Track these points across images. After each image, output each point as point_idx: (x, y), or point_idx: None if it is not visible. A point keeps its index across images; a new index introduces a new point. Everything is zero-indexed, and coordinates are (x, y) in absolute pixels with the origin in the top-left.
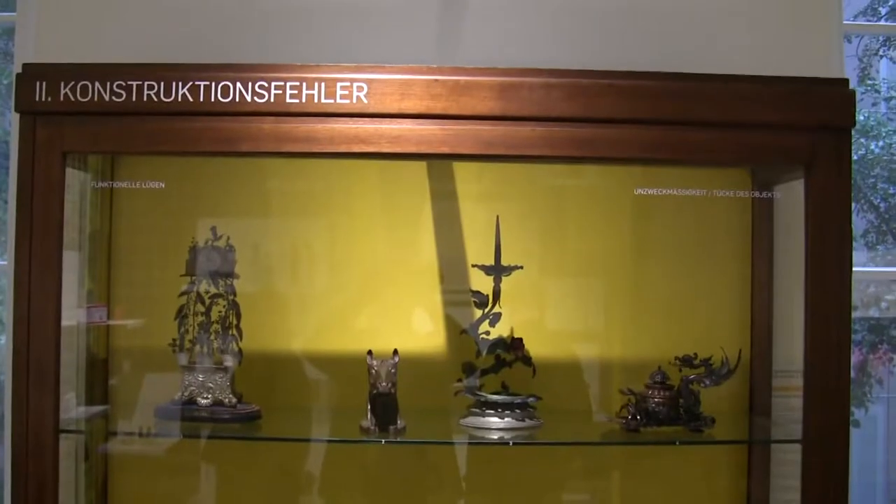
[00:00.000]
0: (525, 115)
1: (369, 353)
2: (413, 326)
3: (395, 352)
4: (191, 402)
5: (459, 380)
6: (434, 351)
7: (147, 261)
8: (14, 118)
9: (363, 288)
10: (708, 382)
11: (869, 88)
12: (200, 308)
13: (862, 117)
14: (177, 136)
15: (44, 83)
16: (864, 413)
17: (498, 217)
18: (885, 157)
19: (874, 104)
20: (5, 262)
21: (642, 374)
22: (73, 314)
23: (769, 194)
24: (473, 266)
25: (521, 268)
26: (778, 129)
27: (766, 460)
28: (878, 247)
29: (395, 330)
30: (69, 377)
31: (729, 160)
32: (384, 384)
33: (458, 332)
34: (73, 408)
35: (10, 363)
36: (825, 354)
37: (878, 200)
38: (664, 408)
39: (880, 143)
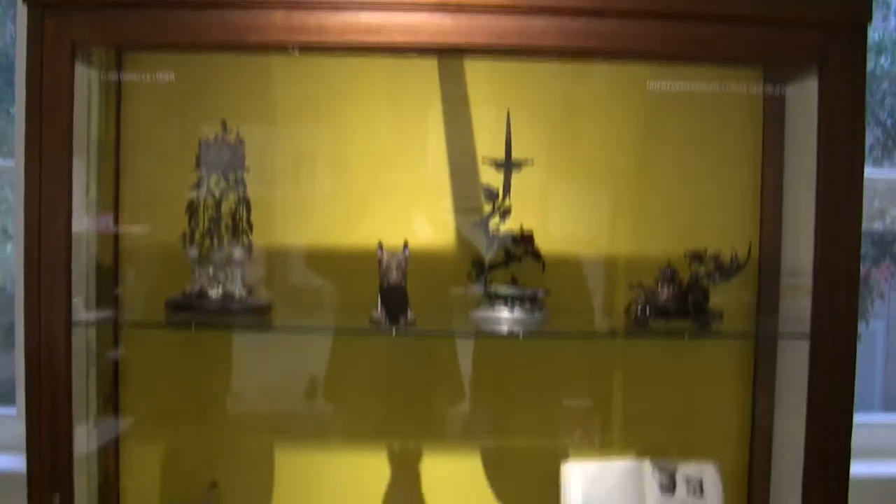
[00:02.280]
0: (538, 7)
1: (379, 245)
2: (423, 223)
3: (406, 244)
4: (201, 294)
5: (468, 274)
6: (444, 247)
7: (155, 159)
8: (21, 12)
9: (373, 184)
10: (717, 278)
11: (880, 2)
12: (211, 202)
13: (874, 34)
14: (186, 28)
15: None
16: (864, 327)
17: (508, 111)
18: (894, 73)
19: (884, 19)
20: (12, 164)
21: (651, 270)
22: (81, 220)
23: (781, 92)
24: (484, 161)
25: (532, 163)
26: (792, 25)
27: (772, 357)
28: (884, 162)
29: (405, 226)
30: (79, 280)
31: (742, 56)
32: (394, 276)
33: (469, 227)
34: (82, 309)
35: (19, 266)
36: (834, 251)
37: (886, 116)
38: (673, 302)
39: (889, 58)
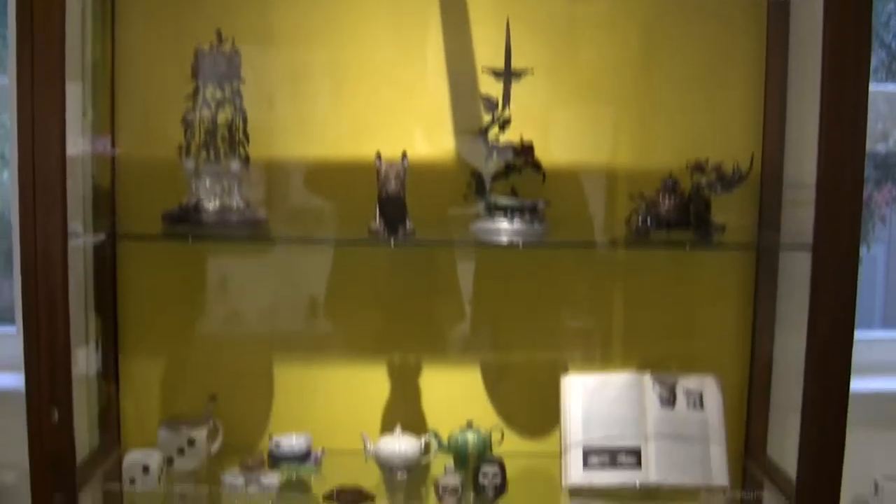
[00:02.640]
0: None
1: (377, 155)
2: (422, 137)
3: (404, 154)
4: (198, 207)
5: (468, 185)
6: (443, 161)
7: (151, 75)
8: None
9: (372, 98)
10: (719, 188)
11: None
12: (207, 114)
13: None
14: None
15: None
16: (865, 251)
17: (508, 19)
18: None
19: None
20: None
21: (653, 181)
22: (78, 142)
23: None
24: (483, 70)
25: (532, 72)
26: None
27: (774, 269)
28: (888, 84)
29: (404, 138)
30: (76, 200)
31: None
32: (392, 186)
33: (468, 141)
34: (80, 227)
35: (15, 189)
36: (839, 163)
37: (891, 38)
38: (674, 213)
39: None
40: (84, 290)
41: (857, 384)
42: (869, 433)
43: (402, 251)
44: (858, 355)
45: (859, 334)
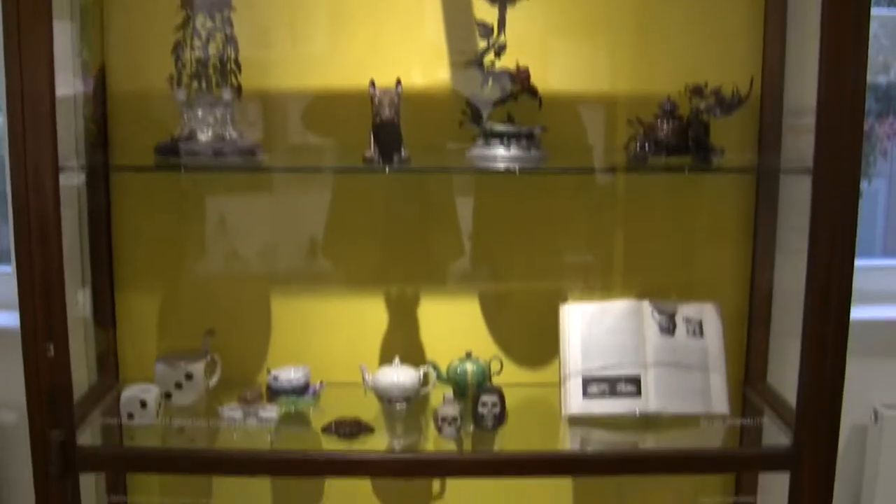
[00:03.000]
0: None
1: (371, 82)
2: (416, 62)
3: (398, 81)
4: (191, 137)
5: (463, 112)
6: (438, 88)
7: (139, 4)
8: None
9: (365, 23)
10: (718, 112)
11: None
12: (198, 43)
13: None
14: None
15: None
16: (866, 185)
17: None
18: None
19: None
20: None
21: (651, 106)
22: (69, 81)
23: None
24: None
25: None
26: None
27: (774, 194)
28: (892, 8)
29: (399, 66)
30: (68, 137)
31: None
32: (387, 112)
33: (463, 66)
34: (71, 155)
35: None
36: (840, 83)
37: None
38: (673, 137)
39: None
40: (79, 227)
41: (857, 312)
42: (868, 361)
43: (398, 180)
44: (859, 283)
45: (860, 262)
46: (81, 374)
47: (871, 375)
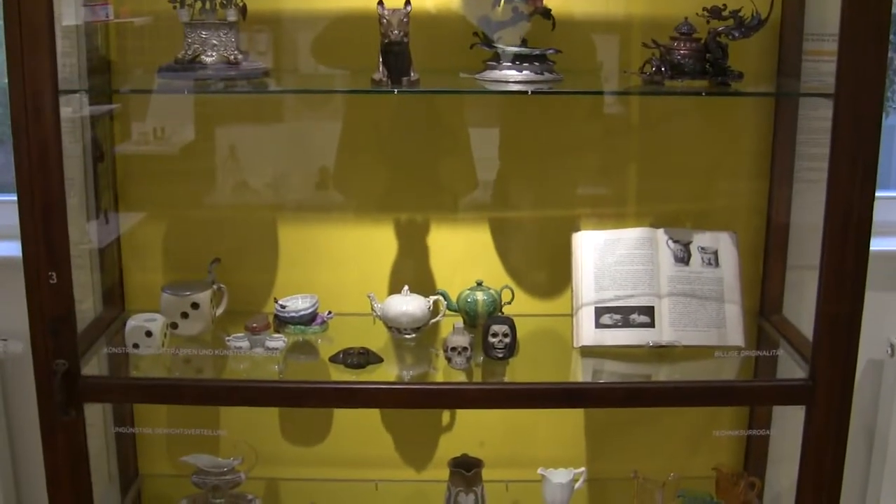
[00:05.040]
0: None
1: (380, 1)
2: None
3: (407, 0)
4: (195, 59)
5: (475, 34)
6: (448, 8)
7: None
8: None
9: None
10: (737, 34)
11: None
12: None
13: None
14: None
15: None
16: (884, 118)
17: None
18: None
19: None
20: None
21: (667, 28)
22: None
23: None
24: None
25: None
26: None
27: (793, 120)
28: None
29: None
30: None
31: None
32: (396, 33)
33: None
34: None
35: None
36: (864, 7)
37: None
38: (690, 60)
39: None
40: (83, 158)
41: (875, 244)
42: (885, 294)
43: (408, 103)
44: (877, 214)
45: (879, 193)
46: (87, 304)
47: (888, 308)
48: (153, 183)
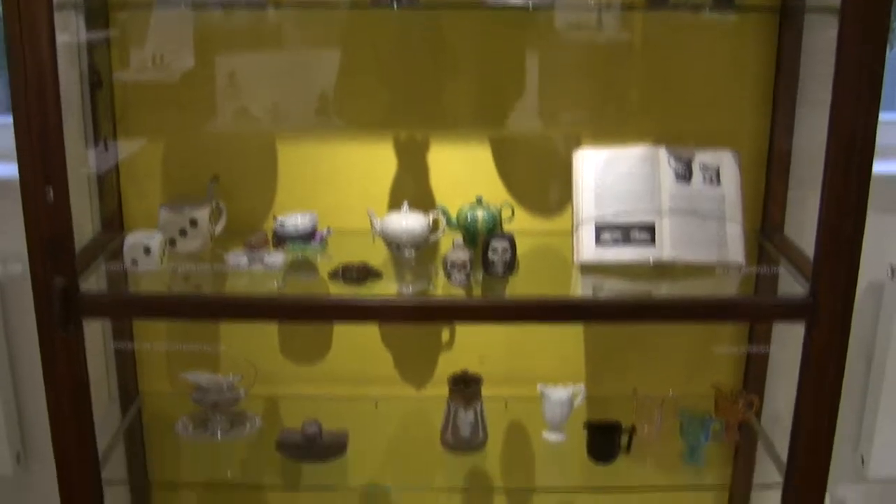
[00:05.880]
0: None
1: None
2: None
3: None
4: None
5: None
6: None
7: None
8: None
9: None
10: None
11: None
12: None
13: None
14: None
15: None
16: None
17: None
18: None
19: None
20: None
21: None
22: None
23: None
24: None
25: None
26: None
27: (798, 37)
28: None
29: None
30: None
31: None
32: None
33: None
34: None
35: None
36: None
37: None
38: None
39: None
40: (80, 81)
41: (878, 167)
42: (886, 217)
43: (408, 20)
44: (882, 138)
45: (883, 116)
46: (85, 224)
47: (889, 232)
48: (152, 109)
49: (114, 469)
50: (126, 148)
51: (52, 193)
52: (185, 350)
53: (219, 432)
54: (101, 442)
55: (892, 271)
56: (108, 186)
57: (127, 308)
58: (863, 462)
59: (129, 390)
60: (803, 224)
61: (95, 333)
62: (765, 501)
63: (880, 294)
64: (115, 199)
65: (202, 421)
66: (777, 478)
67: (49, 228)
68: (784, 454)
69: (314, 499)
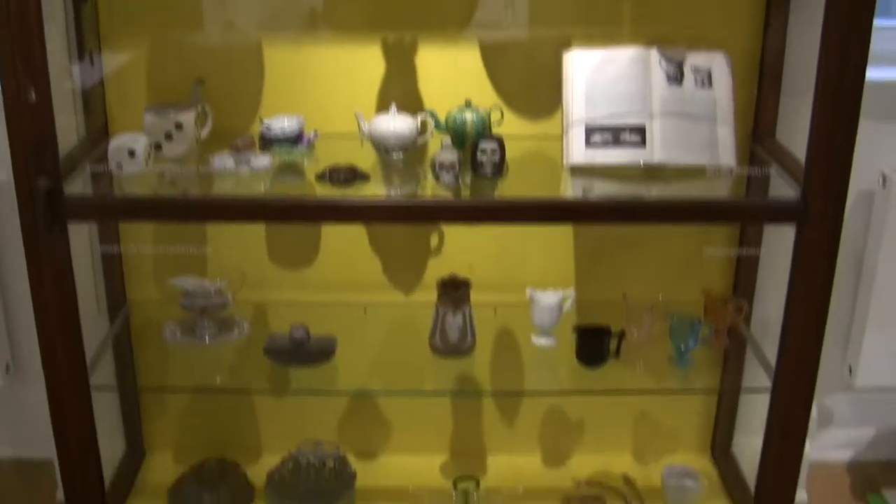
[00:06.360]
0: None
1: None
2: None
3: None
4: None
5: None
6: None
7: None
8: None
9: None
10: None
11: None
12: None
13: None
14: None
15: None
16: None
17: None
18: None
19: None
20: None
21: None
22: None
23: None
24: None
25: None
26: None
27: None
28: None
29: None
30: None
31: None
32: None
33: None
34: None
35: None
36: None
37: None
38: None
39: None
40: None
41: (872, 73)
42: (878, 124)
43: None
44: (876, 45)
45: (878, 21)
46: (69, 129)
47: (881, 139)
48: (138, 20)
49: (103, 376)
50: (112, 61)
51: (33, 94)
52: (172, 254)
53: (207, 337)
54: (90, 349)
55: (884, 179)
56: (94, 99)
57: (112, 210)
58: (850, 372)
59: (116, 298)
60: (795, 130)
61: (83, 244)
62: (753, 406)
63: (871, 203)
64: (100, 111)
65: (190, 327)
66: (766, 382)
67: (32, 130)
68: (773, 360)
69: (302, 403)
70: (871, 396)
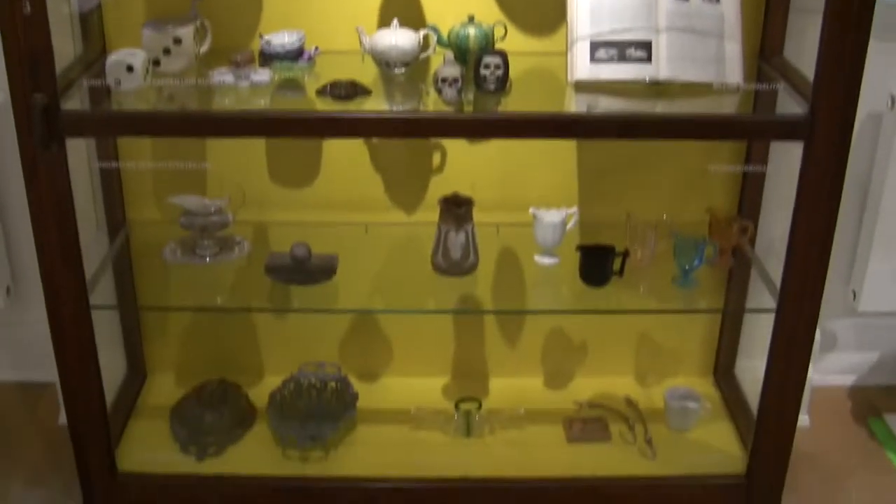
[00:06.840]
0: None
1: None
2: None
3: None
4: None
5: None
6: None
7: None
8: None
9: None
10: None
11: None
12: None
13: None
14: None
15: None
16: None
17: None
18: None
19: None
20: None
21: None
22: None
23: None
24: None
25: None
26: None
27: None
28: None
29: None
30: None
31: None
32: None
33: None
34: None
35: None
36: None
37: None
38: None
39: None
40: None
41: None
42: (888, 45)
43: None
44: None
45: None
46: (67, 50)
47: (891, 61)
48: None
49: (103, 295)
50: None
51: (28, 6)
52: (171, 172)
53: (207, 256)
54: (90, 269)
55: (892, 101)
56: (92, 21)
57: (109, 125)
58: (854, 296)
59: (116, 218)
60: (803, 48)
61: (81, 163)
62: (757, 328)
63: (879, 124)
64: (98, 32)
65: (190, 246)
66: (770, 303)
67: (27, 43)
68: (778, 281)
69: (303, 324)
70: (875, 321)
